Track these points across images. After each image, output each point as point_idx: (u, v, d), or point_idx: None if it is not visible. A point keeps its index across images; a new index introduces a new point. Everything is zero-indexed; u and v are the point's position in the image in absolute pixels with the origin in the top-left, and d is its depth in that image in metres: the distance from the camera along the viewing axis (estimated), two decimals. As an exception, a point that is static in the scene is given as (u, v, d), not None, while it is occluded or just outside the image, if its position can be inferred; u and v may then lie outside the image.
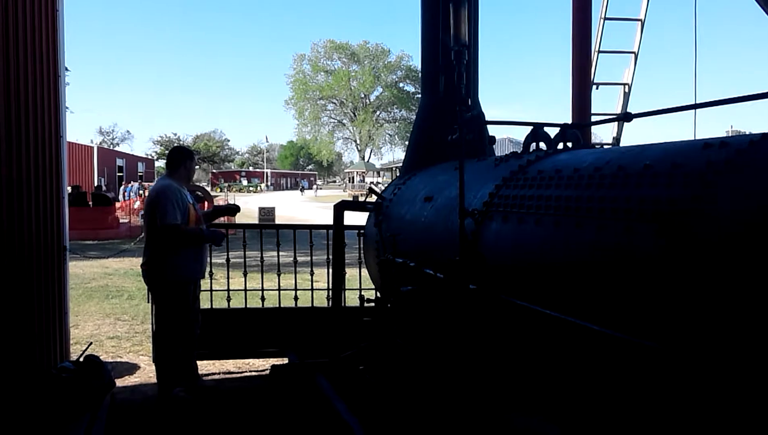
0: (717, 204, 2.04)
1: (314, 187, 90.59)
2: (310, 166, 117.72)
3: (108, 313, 9.42)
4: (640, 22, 9.28)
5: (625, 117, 3.46)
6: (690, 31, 6.98)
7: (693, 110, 3.41)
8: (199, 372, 6.70)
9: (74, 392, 5.22)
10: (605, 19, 9.08)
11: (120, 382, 5.99)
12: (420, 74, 6.06)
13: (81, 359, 5.77)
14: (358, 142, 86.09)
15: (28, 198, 5.71)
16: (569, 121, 7.95)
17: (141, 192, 30.84)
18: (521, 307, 2.90)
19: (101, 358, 6.07)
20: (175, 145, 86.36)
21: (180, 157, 5.75)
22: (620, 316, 2.33)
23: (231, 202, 27.68)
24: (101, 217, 21.42)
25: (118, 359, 7.02)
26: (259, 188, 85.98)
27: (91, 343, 6.74)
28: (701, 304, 2.00)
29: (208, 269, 7.04)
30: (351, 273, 6.78)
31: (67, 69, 6.58)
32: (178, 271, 5.51)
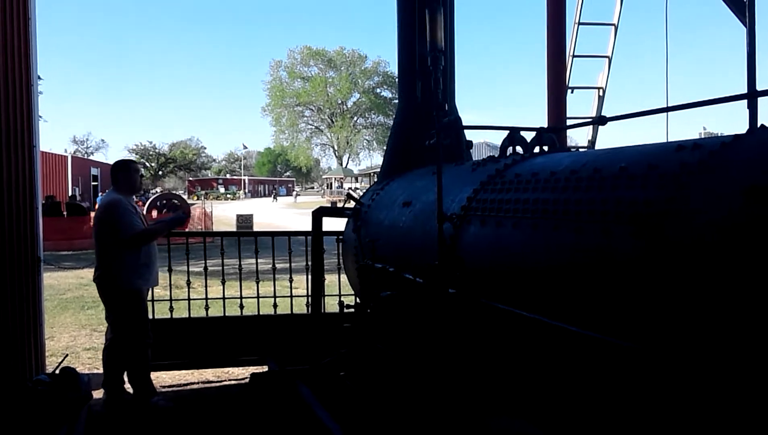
0: (690, 205, 2.06)
1: (294, 193, 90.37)
2: (287, 173, 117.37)
3: (84, 325, 9.31)
4: (613, 27, 9.39)
5: (599, 120, 3.49)
6: (662, 36, 7.07)
7: (666, 113, 3.45)
8: (180, 381, 6.66)
9: (50, 405, 5.15)
10: (579, 24, 9.18)
11: (97, 394, 5.91)
12: (397, 80, 6.07)
13: (57, 371, 5.70)
14: (335, 148, 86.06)
15: (0, 209, 5.63)
16: (545, 124, 8.04)
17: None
18: (501, 311, 2.91)
19: (78, 369, 6.00)
20: (151, 153, 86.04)
21: (116, 170, 5.88)
22: (600, 318, 2.35)
23: (208, 209, 27.55)
24: (76, 227, 21.15)
25: (95, 371, 6.93)
26: (237, 196, 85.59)
27: (67, 355, 6.67)
28: (678, 305, 2.02)
29: (185, 278, 7.02)
30: (330, 279, 6.78)
31: (39, 78, 6.50)
32: (131, 279, 5.55)
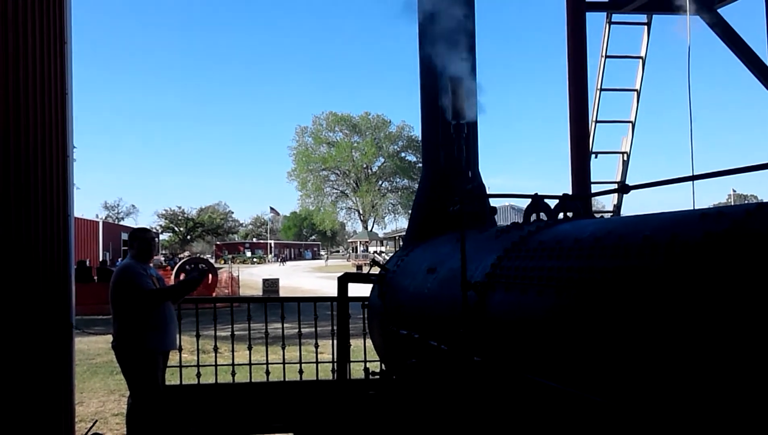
0: (715, 276, 2.07)
1: (325, 257, 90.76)
2: (313, 237, 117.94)
3: (113, 390, 9.34)
4: (636, 93, 9.47)
5: (623, 189, 3.53)
6: (685, 99, 7.13)
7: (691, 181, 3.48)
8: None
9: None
10: (601, 90, 9.28)
11: (124, 461, 5.90)
12: (421, 145, 6.16)
13: (85, 438, 5.71)
14: (361, 211, 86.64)
15: (35, 276, 5.75)
16: (569, 189, 8.07)
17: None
18: (527, 380, 2.90)
19: (105, 436, 6.01)
20: (179, 218, 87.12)
21: (132, 237, 6.15)
22: (626, 390, 2.33)
23: (234, 273, 27.69)
24: (106, 292, 21.27)
25: (122, 437, 6.93)
26: (264, 259, 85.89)
27: (96, 421, 6.69)
28: (708, 376, 2.01)
29: (212, 343, 7.05)
30: (356, 344, 6.76)
31: (74, 147, 6.71)
32: (144, 341, 5.64)
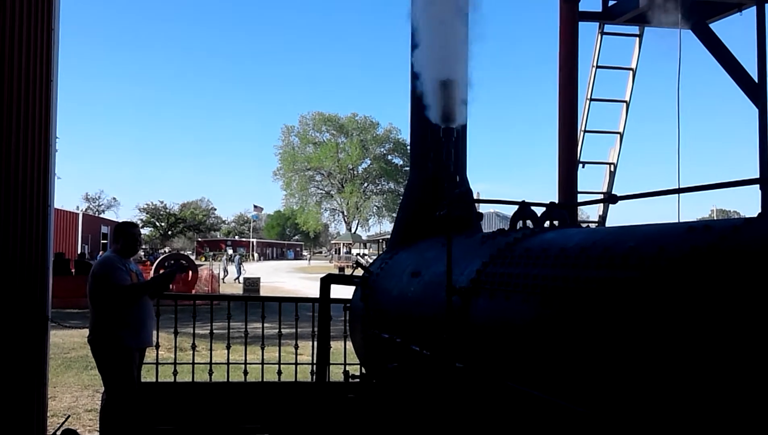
0: (701, 288, 2.05)
1: (308, 258, 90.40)
2: (296, 237, 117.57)
3: (87, 385, 9.22)
4: (625, 104, 9.50)
5: (611, 199, 3.52)
6: (673, 112, 7.19)
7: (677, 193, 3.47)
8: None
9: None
10: (591, 100, 9.30)
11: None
12: (408, 148, 6.14)
13: (58, 433, 5.63)
14: (345, 213, 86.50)
15: (12, 266, 5.66)
16: (556, 198, 8.07)
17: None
18: (509, 387, 2.87)
19: (79, 431, 5.92)
20: (161, 212, 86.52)
21: (117, 231, 6.09)
22: (610, 401, 2.31)
23: (215, 271, 27.53)
24: (84, 286, 21.07)
25: (96, 433, 6.83)
26: (252, 257, 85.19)
27: (69, 417, 6.58)
28: (694, 384, 1.99)
29: (190, 340, 6.98)
30: (336, 346, 6.71)
31: (57, 136, 6.60)
32: (121, 337, 5.56)
